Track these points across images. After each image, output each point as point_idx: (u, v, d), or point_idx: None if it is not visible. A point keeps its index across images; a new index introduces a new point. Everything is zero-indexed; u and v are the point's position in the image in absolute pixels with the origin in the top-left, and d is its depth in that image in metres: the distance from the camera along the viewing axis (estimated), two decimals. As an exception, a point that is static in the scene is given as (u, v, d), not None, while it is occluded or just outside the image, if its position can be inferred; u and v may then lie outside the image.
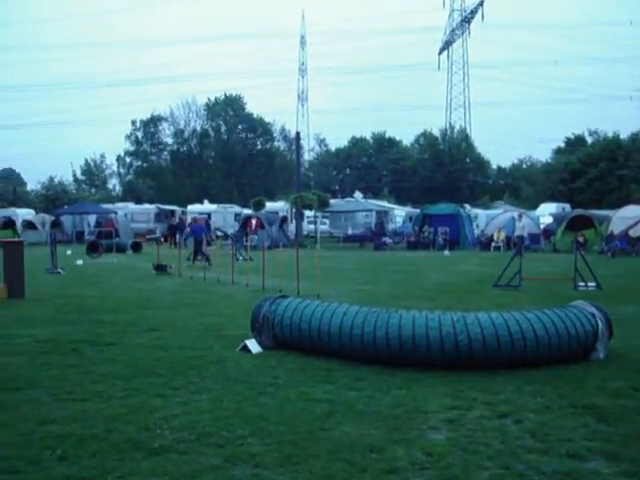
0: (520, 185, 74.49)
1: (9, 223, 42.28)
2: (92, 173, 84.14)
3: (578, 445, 5.00)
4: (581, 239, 29.30)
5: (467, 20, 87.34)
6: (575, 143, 72.13)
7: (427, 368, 7.32)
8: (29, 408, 6.05)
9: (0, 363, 7.93)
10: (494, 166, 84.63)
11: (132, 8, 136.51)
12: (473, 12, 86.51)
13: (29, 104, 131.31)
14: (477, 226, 39.83)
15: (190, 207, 49.32)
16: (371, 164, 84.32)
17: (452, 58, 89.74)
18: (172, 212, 48.84)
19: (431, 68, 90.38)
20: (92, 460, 4.73)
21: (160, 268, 20.36)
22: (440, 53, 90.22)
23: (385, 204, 50.57)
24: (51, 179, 70.18)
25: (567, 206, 48.21)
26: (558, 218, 35.74)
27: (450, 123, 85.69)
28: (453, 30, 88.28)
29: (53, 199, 63.19)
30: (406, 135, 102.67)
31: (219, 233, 36.42)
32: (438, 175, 74.98)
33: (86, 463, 4.68)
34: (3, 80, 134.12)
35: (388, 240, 37.70)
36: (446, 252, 31.61)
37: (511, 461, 4.70)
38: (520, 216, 31.27)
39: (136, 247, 33.35)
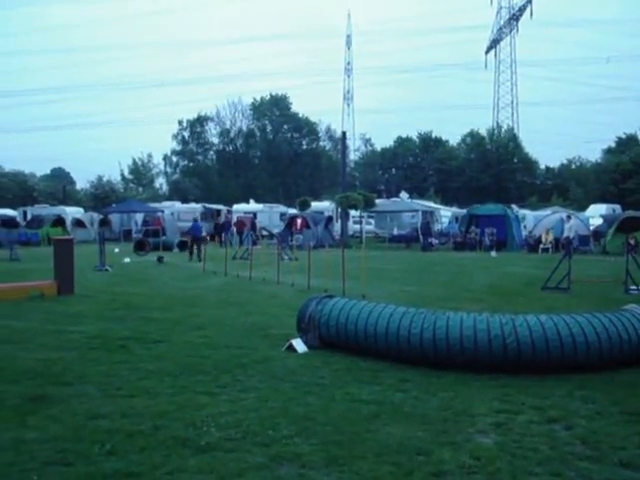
0: (569, 186, 73.22)
1: (59, 221, 43.10)
2: (139, 172, 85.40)
3: (631, 454, 4.88)
4: (632, 241, 28.62)
5: (515, 18, 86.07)
6: (627, 143, 70.53)
7: (474, 371, 7.23)
8: (79, 403, 6.15)
9: (51, 358, 8.07)
10: (542, 166, 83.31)
11: (180, 9, 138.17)
12: (521, 9, 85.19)
13: (79, 105, 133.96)
14: (525, 227, 39.26)
15: (236, 206, 49.69)
16: (417, 164, 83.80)
17: (499, 57, 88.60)
18: (218, 211, 49.29)
19: (478, 67, 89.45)
20: (140, 456, 4.78)
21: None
22: (487, 52, 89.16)
23: (431, 204, 50.19)
24: (100, 178, 71.42)
25: (618, 207, 47.19)
26: (608, 219, 35.00)
27: (497, 122, 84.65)
28: (501, 28, 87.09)
29: (102, 198, 64.30)
30: (452, 135, 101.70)
31: (264, 232, 36.60)
32: (485, 175, 74.13)
33: (134, 458, 4.73)
34: (54, 82, 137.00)
35: (434, 241, 37.40)
36: (493, 253, 31.22)
37: (561, 468, 4.60)
38: (569, 217, 30.73)
39: (183, 245, 33.68)
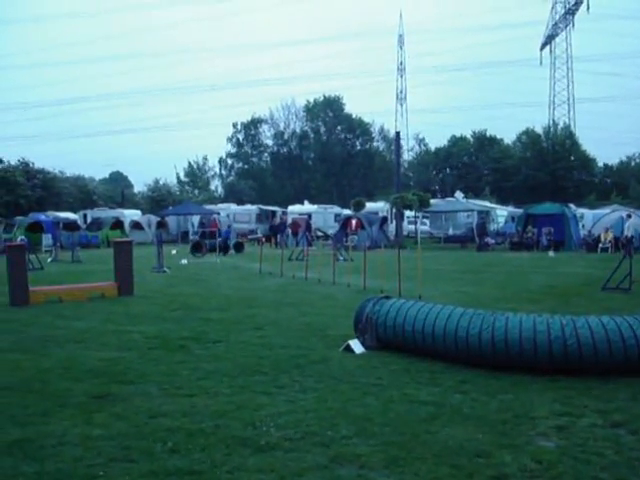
0: (629, 183, 71.43)
1: (118, 224, 43.98)
2: (195, 175, 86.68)
3: (700, 458, 4.74)
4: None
5: (571, 12, 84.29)
6: (689, 138, 68.43)
7: (534, 372, 7.12)
8: (140, 401, 6.28)
9: (113, 357, 8.26)
10: (600, 164, 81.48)
11: (232, 14, 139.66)
12: (577, 3, 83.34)
13: (135, 110, 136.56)
14: (583, 226, 38.48)
15: (290, 208, 49.96)
16: (472, 163, 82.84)
17: (555, 53, 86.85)
18: (273, 213, 49.63)
19: (533, 64, 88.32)
20: (201, 454, 4.86)
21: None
22: (542, 48, 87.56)
23: (487, 204, 49.58)
24: (156, 181, 72.71)
25: (681, 204, 45.86)
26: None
27: (553, 120, 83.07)
28: (556, 23, 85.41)
29: (158, 200, 65.39)
30: (507, 133, 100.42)
31: (319, 233, 36.70)
32: (541, 174, 72.83)
33: (196, 456, 4.80)
34: (110, 88, 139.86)
35: (490, 240, 36.95)
36: (550, 253, 30.68)
37: (628, 473, 4.50)
38: (629, 216, 29.99)
39: (238, 247, 34.02)
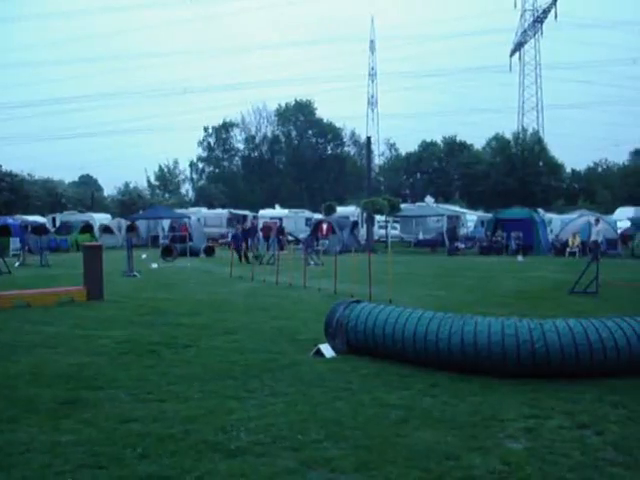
0: (596, 189, 72.47)
1: (87, 227, 43.57)
2: (166, 179, 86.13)
3: (664, 459, 4.83)
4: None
5: (539, 20, 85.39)
6: (655, 145, 69.65)
7: (503, 376, 7.20)
8: (110, 406, 6.24)
9: (82, 363, 8.19)
10: (568, 169, 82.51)
11: (203, 18, 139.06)
12: (546, 11, 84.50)
13: (106, 113, 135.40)
14: (551, 231, 38.96)
15: (262, 212, 49.88)
16: (442, 168, 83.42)
17: (524, 60, 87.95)
18: (244, 217, 49.50)
19: (502, 70, 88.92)
20: (171, 459, 4.84)
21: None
22: (512, 55, 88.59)
23: (456, 208, 50.00)
24: (126, 185, 72.37)
25: (646, 210, 46.58)
26: (636, 222, 34.63)
27: (522, 126, 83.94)
28: (525, 31, 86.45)
29: (129, 204, 64.96)
30: (477, 139, 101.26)
31: (290, 238, 36.69)
32: (510, 179, 73.52)
33: (166, 462, 4.79)
34: (80, 91, 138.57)
35: (460, 245, 37.25)
36: (519, 257, 31.01)
37: (593, 474, 4.57)
38: (597, 221, 30.42)
39: (209, 251, 33.88)
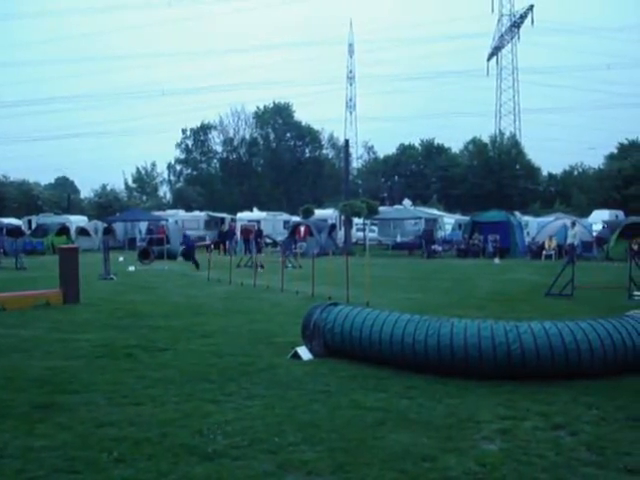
0: (572, 192, 73.21)
1: (64, 230, 43.22)
2: (143, 181, 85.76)
3: (637, 459, 4.88)
4: (635, 247, 28.60)
5: (516, 25, 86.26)
6: (629, 149, 70.50)
7: (479, 377, 7.25)
8: (86, 411, 6.19)
9: (58, 366, 8.12)
10: (545, 173, 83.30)
11: (181, 19, 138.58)
12: (522, 17, 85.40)
13: (82, 114, 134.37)
14: (528, 234, 39.28)
15: (240, 214, 49.79)
16: (420, 171, 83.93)
17: (501, 64, 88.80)
18: (222, 219, 49.39)
19: (480, 74, 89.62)
20: (148, 463, 4.81)
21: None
22: (489, 59, 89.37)
23: (434, 211, 50.24)
24: (103, 187, 71.90)
25: (621, 213, 47.10)
26: (611, 225, 35.02)
27: (500, 130, 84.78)
28: (502, 35, 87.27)
29: (105, 206, 64.60)
30: (455, 142, 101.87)
31: (268, 240, 36.65)
32: (488, 182, 74.12)
33: (142, 466, 4.76)
34: (57, 92, 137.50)
35: (438, 248, 37.43)
36: (496, 260, 31.26)
37: (567, 474, 4.62)
38: (573, 224, 30.73)
39: (186, 254, 33.71)
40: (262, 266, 22.37)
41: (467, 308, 13.18)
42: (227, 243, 37.44)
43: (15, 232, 36.57)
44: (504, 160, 75.98)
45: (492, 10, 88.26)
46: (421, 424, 5.76)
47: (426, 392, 6.83)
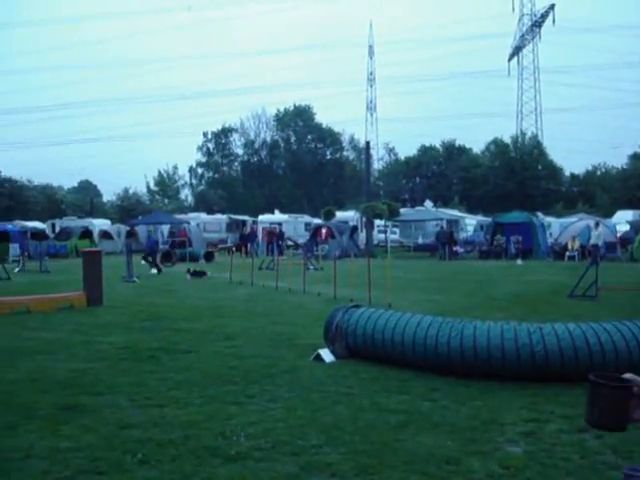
0: (595, 192, 72.52)
1: (87, 233, 43.54)
2: (165, 184, 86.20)
3: (663, 462, 4.84)
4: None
5: (537, 24, 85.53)
6: (653, 148, 69.66)
7: (502, 379, 7.21)
8: (110, 412, 6.24)
9: (82, 368, 8.19)
10: (567, 173, 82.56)
11: (202, 23, 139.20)
12: (544, 16, 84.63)
13: (105, 118, 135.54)
14: (550, 235, 38.95)
15: (261, 217, 49.87)
16: (441, 172, 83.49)
17: (522, 64, 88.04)
18: (243, 222, 49.52)
19: (501, 75, 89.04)
20: (171, 465, 4.84)
21: (197, 274, 22.28)
22: (510, 59, 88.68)
23: (456, 213, 49.99)
24: (126, 190, 72.30)
25: (645, 213, 46.57)
26: (636, 226, 34.64)
27: (521, 130, 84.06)
28: (523, 35, 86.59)
29: (128, 210, 65.02)
30: (476, 143, 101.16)
31: (290, 243, 36.69)
32: (509, 183, 73.59)
33: (166, 468, 4.78)
34: (81, 96, 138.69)
35: (459, 249, 37.22)
36: (519, 261, 31.03)
37: (593, 478, 4.59)
38: (597, 224, 30.42)
39: (209, 256, 33.87)
40: (272, 268, 22.57)
41: (490, 310, 13.11)
42: (249, 245, 37.53)
43: (39, 235, 36.84)
44: (526, 160, 75.40)
45: (513, 10, 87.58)
46: (444, 426, 5.74)
47: (449, 394, 6.80)
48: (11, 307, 13.67)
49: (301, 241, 35.11)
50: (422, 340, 7.65)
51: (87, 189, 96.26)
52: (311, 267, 23.51)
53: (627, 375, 1.37)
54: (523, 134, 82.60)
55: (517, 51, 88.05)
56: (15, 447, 5.25)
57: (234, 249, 34.23)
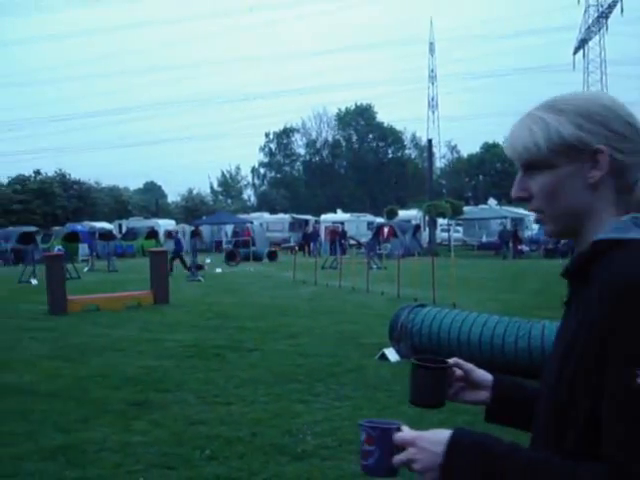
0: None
1: (152, 233, 44.41)
2: (228, 184, 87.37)
3: None
4: None
5: (604, 15, 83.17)
6: None
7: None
8: (178, 409, 6.35)
9: (150, 365, 8.36)
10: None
11: (262, 24, 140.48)
12: (611, 6, 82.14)
13: (169, 120, 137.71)
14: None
15: (323, 216, 50.01)
16: (505, 170, 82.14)
17: (588, 57, 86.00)
18: (306, 222, 49.75)
19: (566, 69, 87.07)
20: (239, 462, 4.89)
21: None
22: (575, 52, 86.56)
23: (520, 211, 49.15)
24: (190, 191, 73.46)
25: None
26: None
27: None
28: (589, 27, 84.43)
29: (192, 210, 66.05)
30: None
31: (352, 242, 36.71)
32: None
33: (234, 464, 4.84)
34: (145, 98, 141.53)
35: (524, 248, 36.59)
36: (586, 260, 30.26)
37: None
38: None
39: (272, 256, 34.15)
40: (335, 267, 22.50)
41: (558, 310, 12.71)
42: (311, 245, 37.70)
43: (107, 236, 37.84)
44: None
45: (578, 1, 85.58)
46: (512, 429, 5.63)
47: (517, 395, 6.68)
48: (82, 305, 14.07)
49: (364, 240, 35.09)
50: (489, 340, 7.55)
51: (152, 190, 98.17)
52: (374, 266, 23.46)
53: (452, 360, 1.53)
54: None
55: (583, 44, 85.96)
56: (89, 440, 5.40)
57: (297, 248, 34.45)
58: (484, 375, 1.59)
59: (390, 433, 1.24)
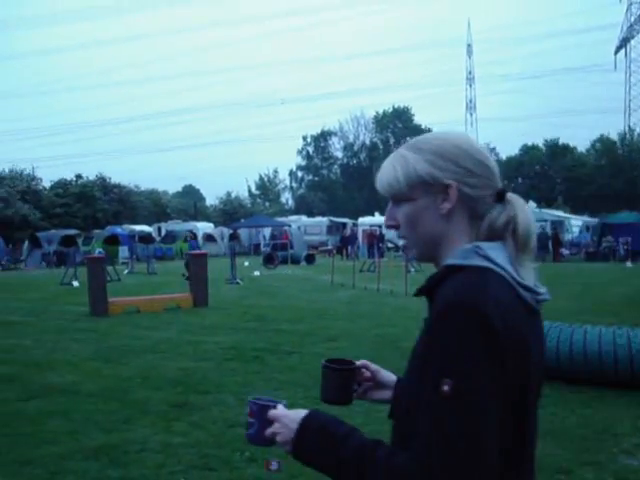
0: None
1: (191, 236, 44.78)
2: (266, 188, 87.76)
3: None
4: None
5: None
6: None
7: (614, 387, 6.93)
8: (218, 411, 6.40)
9: (190, 367, 8.44)
10: (681, 171, 78.70)
11: (298, 28, 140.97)
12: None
13: (206, 124, 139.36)
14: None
15: (361, 219, 49.94)
16: (544, 172, 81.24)
17: (630, 56, 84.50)
18: (343, 225, 49.73)
19: (607, 69, 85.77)
20: (279, 464, 4.89)
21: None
22: (616, 52, 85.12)
23: (560, 213, 48.53)
24: (228, 194, 73.97)
25: None
26: None
27: (629, 126, 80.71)
28: (631, 25, 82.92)
29: (230, 213, 66.53)
30: (581, 141, 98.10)
31: (390, 245, 36.59)
32: (617, 182, 70.84)
33: (274, 467, 4.84)
34: (185, 104, 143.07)
35: (565, 251, 36.10)
36: (628, 263, 29.79)
37: None
38: None
39: (310, 259, 34.21)
40: (373, 270, 22.38)
41: (600, 314, 12.62)
42: (349, 248, 37.67)
43: (146, 239, 38.24)
44: (635, 158, 72.36)
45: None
46: (554, 434, 5.57)
47: (558, 401, 6.60)
48: (123, 307, 14.26)
49: (402, 243, 34.92)
50: (529, 344, 7.45)
51: (191, 193, 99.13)
52: (412, 269, 23.33)
53: (359, 362, 1.75)
54: (631, 130, 79.26)
55: (624, 43, 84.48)
56: (131, 440, 5.48)
57: (335, 252, 34.42)
58: (389, 376, 1.80)
59: (267, 409, 1.47)
